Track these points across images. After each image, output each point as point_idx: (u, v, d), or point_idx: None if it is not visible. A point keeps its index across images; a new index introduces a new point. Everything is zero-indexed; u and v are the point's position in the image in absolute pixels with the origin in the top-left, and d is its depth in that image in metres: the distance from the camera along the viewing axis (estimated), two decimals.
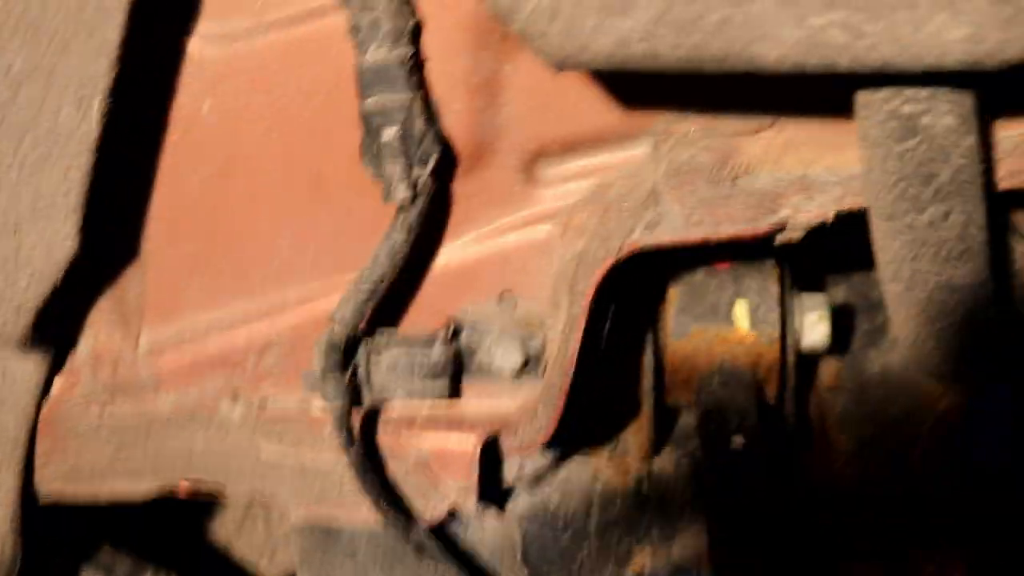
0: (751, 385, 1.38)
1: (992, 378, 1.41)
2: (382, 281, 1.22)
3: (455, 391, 1.27)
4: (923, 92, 1.04)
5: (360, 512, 1.29)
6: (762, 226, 1.17)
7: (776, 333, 1.37)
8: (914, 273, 1.18)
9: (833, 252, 1.31)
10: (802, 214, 1.18)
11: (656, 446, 1.43)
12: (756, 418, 1.35)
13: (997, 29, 0.93)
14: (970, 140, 1.08)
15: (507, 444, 1.29)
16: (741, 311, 1.37)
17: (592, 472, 1.42)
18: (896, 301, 1.23)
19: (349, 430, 1.23)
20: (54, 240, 1.16)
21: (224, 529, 1.76)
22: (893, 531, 1.51)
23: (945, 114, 1.06)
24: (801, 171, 1.20)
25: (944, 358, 1.27)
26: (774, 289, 1.38)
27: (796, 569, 1.47)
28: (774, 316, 1.37)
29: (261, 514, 1.76)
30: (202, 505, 1.74)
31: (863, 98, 1.06)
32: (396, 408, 1.29)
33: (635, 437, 1.42)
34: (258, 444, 1.31)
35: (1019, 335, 1.39)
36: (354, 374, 1.24)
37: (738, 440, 1.34)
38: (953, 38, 0.94)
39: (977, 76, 1.00)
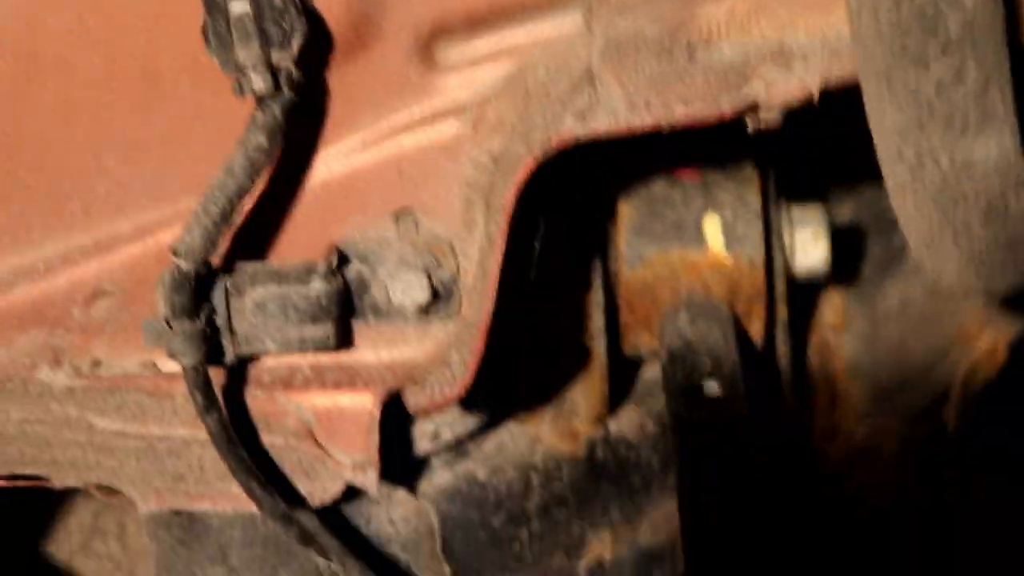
0: (728, 320, 1.30)
1: None
2: (240, 198, 1.03)
3: (344, 338, 1.11)
4: None
5: (229, 498, 1.15)
6: (726, 106, 1.04)
7: (759, 255, 1.28)
8: (920, 152, 0.99)
9: (834, 159, 1.25)
10: (778, 88, 1.04)
11: (612, 404, 1.29)
12: (736, 362, 1.25)
13: None
14: None
15: (414, 402, 1.10)
16: (712, 228, 1.28)
17: (530, 439, 1.27)
18: (902, 196, 1.03)
19: (208, 394, 1.06)
20: None
21: (67, 546, 1.62)
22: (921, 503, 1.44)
23: None
24: (776, 38, 1.06)
25: (973, 270, 1.07)
26: (754, 200, 1.29)
27: (795, 555, 1.29)
28: (755, 233, 1.27)
29: (113, 527, 1.63)
30: (33, 512, 1.60)
31: None
32: (268, 363, 1.13)
33: (584, 394, 1.28)
34: (90, 419, 1.16)
35: None
36: (210, 321, 1.07)
37: (713, 388, 1.23)
38: None
39: None
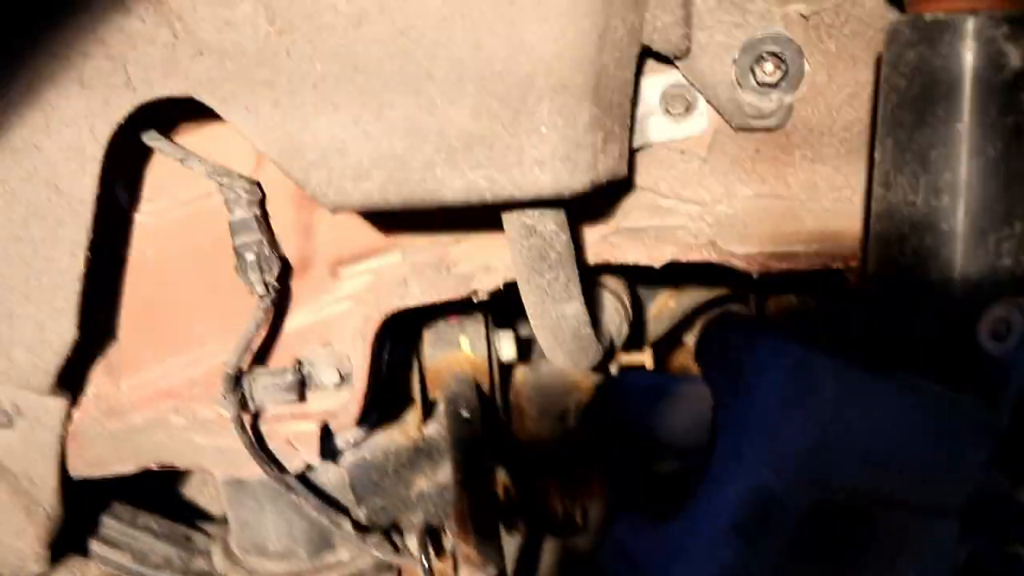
0: (472, 383, 1.47)
1: (604, 367, 1.45)
2: (252, 338, 1.23)
3: (302, 398, 1.28)
4: (535, 211, 1.08)
5: (255, 470, 1.26)
6: (462, 293, 1.25)
7: (485, 353, 1.48)
8: (542, 313, 1.18)
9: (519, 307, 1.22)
10: (485, 285, 1.25)
11: (424, 420, 1.45)
12: (477, 401, 1.42)
13: (566, 175, 0.99)
14: (564, 236, 1.11)
15: (335, 425, 1.31)
16: (465, 342, 1.49)
17: (388, 438, 1.43)
18: (537, 329, 1.22)
19: (242, 426, 1.24)
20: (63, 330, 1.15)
21: (190, 489, 1.72)
22: (562, 466, 1.58)
23: (549, 221, 1.08)
24: (485, 260, 1.25)
25: (569, 361, 1.28)
26: (482, 329, 1.48)
27: (507, 493, 1.56)
28: (483, 344, 1.48)
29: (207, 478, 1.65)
30: (172, 476, 1.67)
31: (505, 216, 1.10)
32: (270, 411, 1.29)
33: (412, 416, 1.45)
34: (193, 437, 1.29)
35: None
36: (243, 394, 1.25)
37: (465, 413, 1.42)
38: (546, 182, 0.99)
39: (561, 200, 1.04)
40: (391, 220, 1.21)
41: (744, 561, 0.87)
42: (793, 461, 0.88)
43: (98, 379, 1.29)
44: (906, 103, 0.96)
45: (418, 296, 1.24)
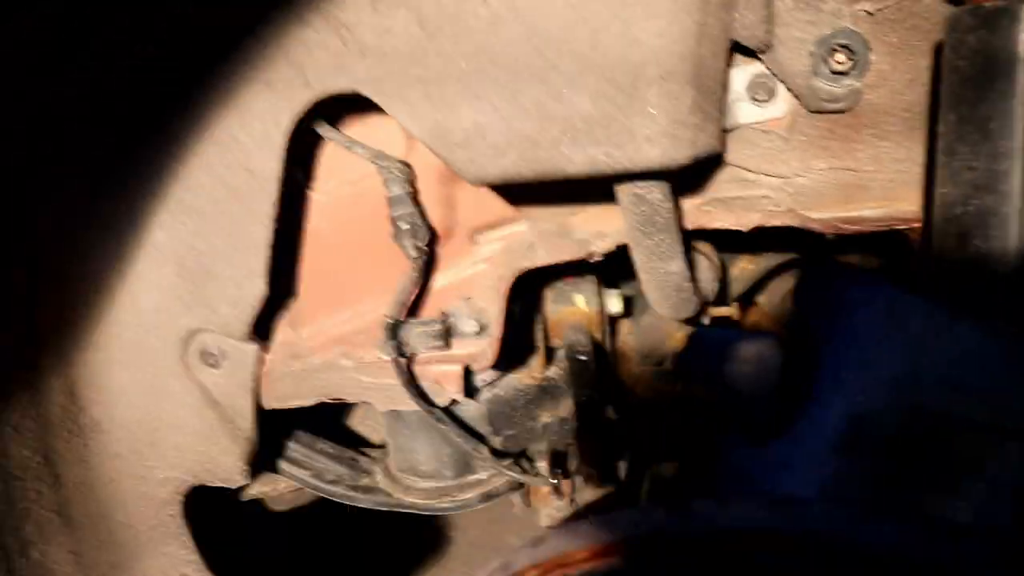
0: (586, 332, 1.42)
1: (697, 318, 1.40)
2: (410, 294, 1.22)
3: (447, 344, 1.26)
4: (644, 182, 1.07)
5: (409, 404, 1.25)
6: (581, 255, 1.23)
7: (596, 308, 1.43)
8: (651, 268, 1.17)
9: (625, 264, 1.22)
10: (600, 248, 1.23)
11: (547, 363, 1.42)
12: (591, 347, 1.38)
13: (672, 150, 0.99)
14: (668, 204, 1.10)
15: (474, 367, 1.29)
16: (579, 299, 1.43)
17: (518, 378, 1.39)
18: (643, 284, 1.23)
19: (399, 367, 1.23)
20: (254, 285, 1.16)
21: (353, 419, 1.65)
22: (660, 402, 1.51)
23: (656, 191, 1.08)
24: (599, 227, 1.22)
25: (670, 311, 1.27)
26: (594, 288, 1.43)
27: (615, 426, 1.50)
28: (595, 300, 1.42)
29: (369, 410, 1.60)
30: (341, 408, 1.61)
31: (618, 187, 1.09)
32: (420, 355, 1.26)
33: (536, 360, 1.42)
34: (359, 377, 1.28)
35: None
36: (399, 340, 1.23)
37: (582, 357, 1.37)
38: (655, 155, 0.99)
39: (666, 172, 1.04)
40: (520, 193, 1.19)
41: (843, 476, 0.85)
42: (885, 388, 0.85)
43: (283, 329, 1.29)
44: (967, 82, 0.95)
45: (543, 258, 1.23)
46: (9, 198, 1.11)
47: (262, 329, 1.25)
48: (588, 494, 1.43)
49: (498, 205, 1.22)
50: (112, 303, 1.18)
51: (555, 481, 1.36)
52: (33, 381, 1.18)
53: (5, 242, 1.12)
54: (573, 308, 1.43)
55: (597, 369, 1.36)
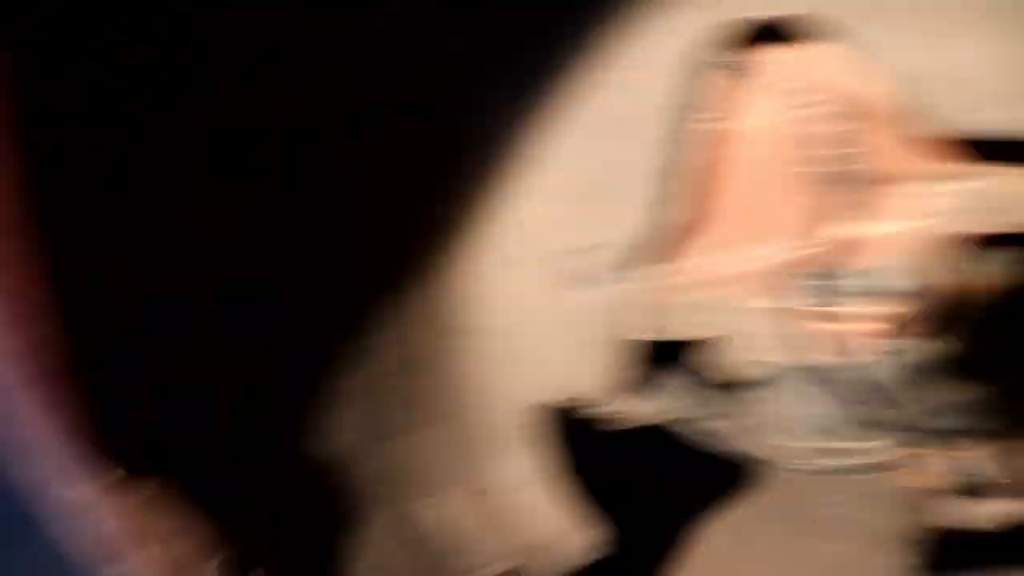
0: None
1: None
2: (827, 242, 1.16)
3: (862, 302, 1.19)
4: None
5: (801, 357, 1.21)
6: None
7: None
8: None
9: None
10: None
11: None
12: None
13: None
14: None
15: (885, 331, 1.19)
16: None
17: (923, 350, 1.21)
18: None
19: (806, 317, 1.18)
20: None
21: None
22: None
23: None
24: None
25: None
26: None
27: None
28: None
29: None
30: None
31: None
32: (828, 308, 1.18)
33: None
34: (745, 321, 1.22)
35: None
36: (816, 290, 1.18)
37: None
38: None
39: None
40: (974, 150, 1.09)
41: None
42: None
43: (671, 260, 1.24)
44: None
45: (988, 224, 1.12)
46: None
47: (646, 257, 1.22)
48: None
49: (943, 160, 1.12)
50: (499, 215, 1.21)
51: (968, 462, 1.27)
52: (420, 279, 1.23)
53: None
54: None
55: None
